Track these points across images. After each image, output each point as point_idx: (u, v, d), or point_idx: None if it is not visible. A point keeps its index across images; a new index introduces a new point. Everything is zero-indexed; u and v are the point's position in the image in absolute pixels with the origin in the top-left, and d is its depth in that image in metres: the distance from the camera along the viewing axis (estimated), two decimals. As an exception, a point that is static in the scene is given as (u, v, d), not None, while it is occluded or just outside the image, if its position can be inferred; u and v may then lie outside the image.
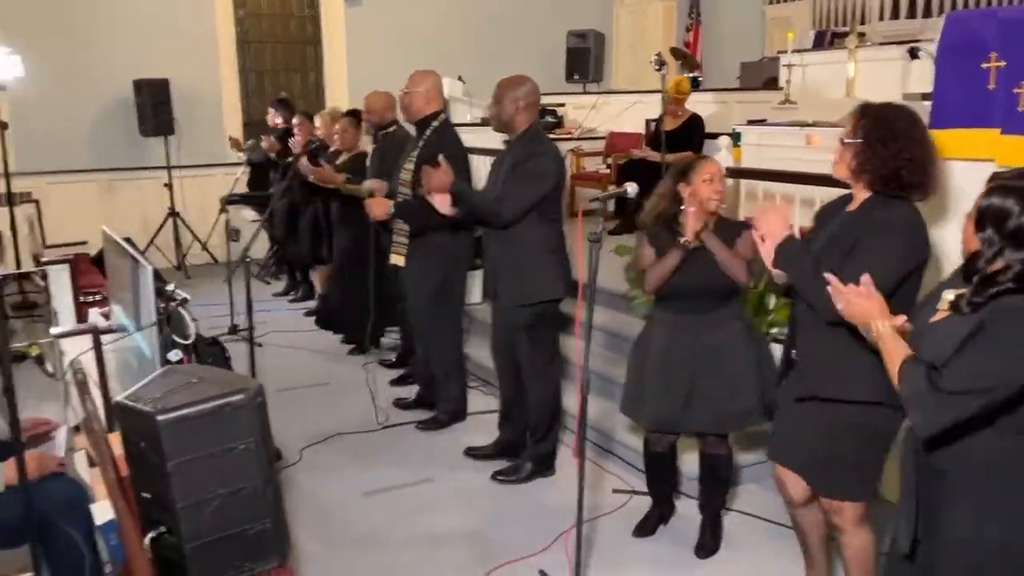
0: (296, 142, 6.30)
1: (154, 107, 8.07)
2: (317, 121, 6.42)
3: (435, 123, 4.28)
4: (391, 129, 5.10)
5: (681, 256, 3.01)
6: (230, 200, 7.12)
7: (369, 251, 5.30)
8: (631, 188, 2.79)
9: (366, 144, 5.78)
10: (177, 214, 8.46)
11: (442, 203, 3.77)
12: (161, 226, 8.43)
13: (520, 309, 3.72)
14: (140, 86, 8.11)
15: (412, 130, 4.53)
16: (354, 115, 5.79)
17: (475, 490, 3.82)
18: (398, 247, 4.38)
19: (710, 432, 3.19)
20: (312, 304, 7.02)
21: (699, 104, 6.98)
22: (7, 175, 6.62)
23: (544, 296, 3.70)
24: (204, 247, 8.69)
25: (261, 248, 7.81)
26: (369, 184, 4.73)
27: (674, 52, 8.97)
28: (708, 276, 3.03)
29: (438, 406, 4.57)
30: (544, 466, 3.91)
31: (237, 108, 9.15)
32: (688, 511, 3.47)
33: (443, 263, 4.28)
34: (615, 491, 3.75)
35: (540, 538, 3.34)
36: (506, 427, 4.11)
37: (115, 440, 2.48)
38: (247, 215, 7.77)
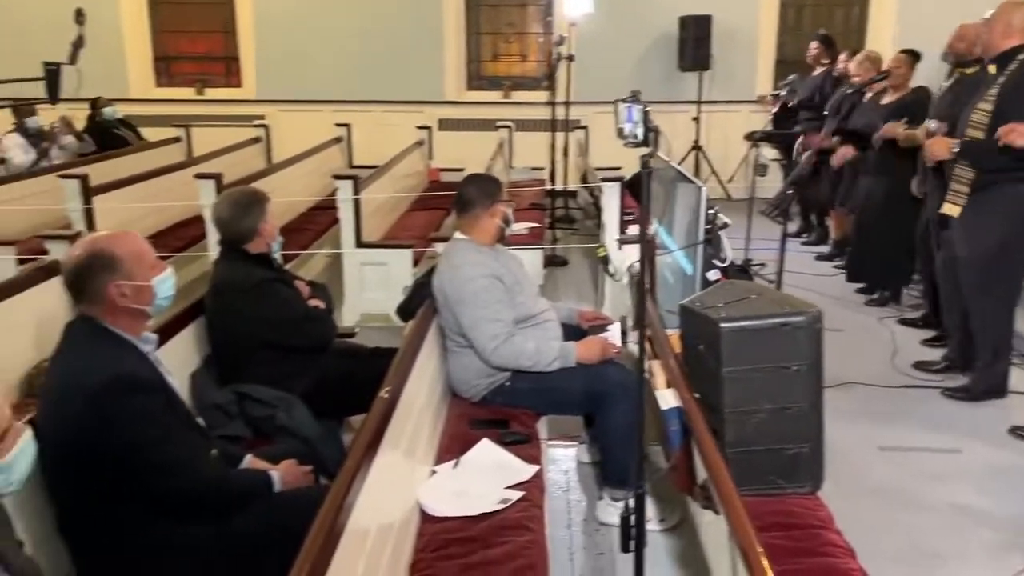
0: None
1: (695, 42, 8.42)
2: (852, 64, 6.10)
3: (1021, 56, 3.73)
4: (971, 70, 4.47)
5: None
6: (756, 137, 7.17)
7: (907, 200, 4.94)
8: None
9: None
10: (700, 148, 8.82)
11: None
12: (683, 159, 8.87)
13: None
14: (685, 22, 8.51)
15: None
16: (912, 53, 5.34)
17: (1018, 472, 3.38)
18: (955, 195, 3.96)
19: None
20: (825, 249, 6.81)
21: None
22: (568, 103, 7.54)
23: None
24: (720, 182, 8.94)
25: (771, 187, 7.77)
26: (930, 125, 4.32)
27: None
28: None
29: (972, 376, 4.11)
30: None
31: (772, 45, 9.09)
32: None
33: (1009, 218, 3.76)
34: None
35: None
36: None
37: (672, 339, 2.71)
38: (767, 153, 7.75)
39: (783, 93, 7.41)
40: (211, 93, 9.78)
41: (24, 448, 1.45)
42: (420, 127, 8.32)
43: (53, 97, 4.32)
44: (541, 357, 2.96)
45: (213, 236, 5.22)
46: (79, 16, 4.41)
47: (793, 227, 7.53)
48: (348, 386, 3.10)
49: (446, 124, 9.34)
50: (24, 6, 9.04)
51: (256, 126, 8.48)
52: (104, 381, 1.93)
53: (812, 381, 2.34)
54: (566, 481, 3.38)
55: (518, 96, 9.69)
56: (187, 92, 9.76)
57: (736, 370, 2.32)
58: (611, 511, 3.03)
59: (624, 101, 2.03)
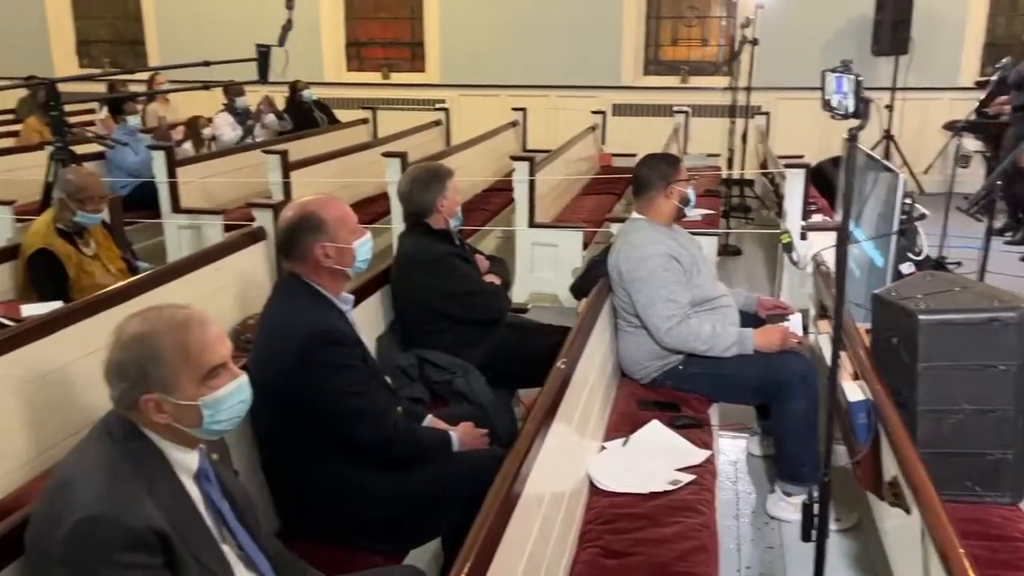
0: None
1: (893, 25, 7.89)
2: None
3: None
4: None
5: None
6: (959, 126, 6.65)
7: None
8: None
9: None
10: (891, 137, 8.27)
11: None
12: (872, 148, 8.34)
13: None
14: (883, 3, 7.99)
15: None
16: None
17: None
18: None
19: None
20: (1033, 249, 6.23)
21: None
22: (749, 89, 7.29)
23: None
24: (912, 173, 8.36)
25: (971, 181, 7.17)
26: None
27: None
28: None
29: None
30: None
31: (982, 26, 8.36)
32: None
33: None
34: None
35: None
36: None
37: (860, 331, 2.58)
38: (969, 144, 7.17)
39: (993, 79, 6.81)
40: (396, 77, 10.22)
41: (234, 391, 1.55)
42: (595, 112, 8.32)
43: (263, 77, 4.67)
44: (717, 341, 2.90)
45: (397, 211, 5.51)
46: (290, 1, 4.74)
47: (997, 224, 6.92)
48: (520, 359, 3.18)
49: (620, 109, 9.29)
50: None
51: (437, 109, 8.79)
52: (311, 332, 2.09)
53: (1020, 383, 2.16)
54: (735, 472, 3.30)
55: (696, 81, 9.48)
56: (375, 76, 10.26)
57: (933, 366, 2.18)
58: (783, 506, 2.93)
59: (833, 71, 1.94)
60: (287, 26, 4.71)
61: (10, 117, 8.52)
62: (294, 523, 2.21)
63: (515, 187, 5.38)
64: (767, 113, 8.09)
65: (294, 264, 2.25)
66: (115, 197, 3.83)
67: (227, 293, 3.67)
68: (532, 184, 5.33)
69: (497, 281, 3.35)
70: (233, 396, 1.55)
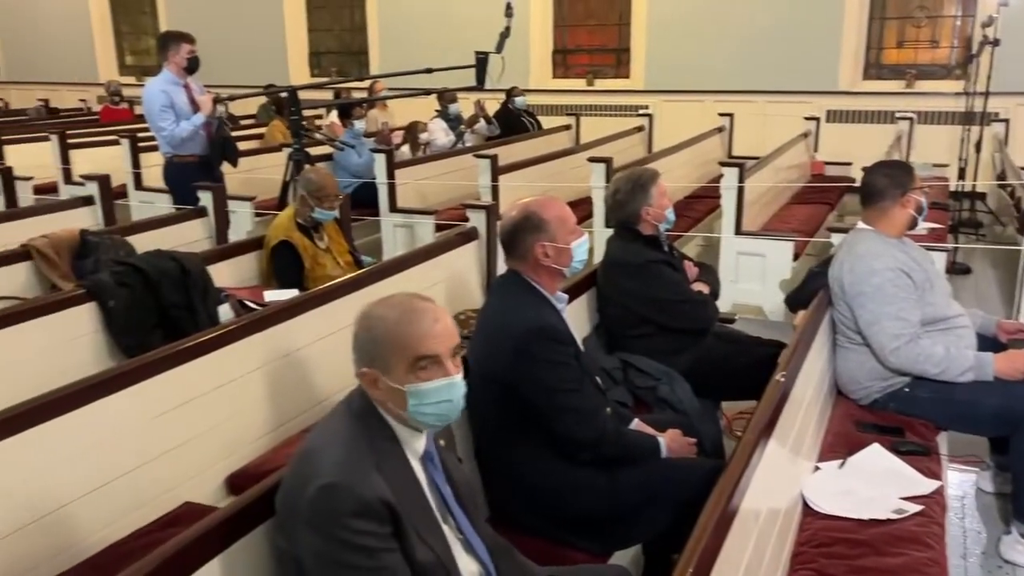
0: None
1: None
2: None
3: None
4: None
5: None
6: None
7: None
8: None
9: None
10: None
11: None
12: None
13: None
14: None
15: None
16: None
17: None
18: None
19: None
20: None
21: None
22: (987, 94, 6.68)
23: None
24: None
25: None
26: None
27: None
28: None
29: None
30: None
31: None
32: None
33: None
34: None
35: None
36: None
37: None
38: None
39: None
40: (600, 84, 10.29)
41: (440, 387, 1.58)
42: (808, 118, 7.94)
43: (480, 84, 4.86)
44: (951, 365, 2.67)
45: (599, 215, 5.55)
46: (508, 9, 4.91)
47: None
48: (727, 370, 3.11)
49: (835, 116, 8.82)
50: (464, 1, 10.24)
51: (640, 115, 8.76)
52: (530, 327, 2.16)
53: None
54: (962, 507, 3.03)
55: (922, 86, 8.79)
56: (579, 83, 10.39)
57: None
58: (1020, 549, 2.66)
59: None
60: (505, 33, 4.87)
61: (251, 121, 9.43)
62: (503, 511, 2.28)
63: (722, 193, 5.24)
64: (1006, 120, 7.37)
65: (515, 262, 2.32)
66: (346, 196, 4.13)
67: (440, 288, 3.85)
68: (740, 191, 5.18)
69: (706, 290, 3.28)
70: (438, 392, 1.59)
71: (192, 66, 5.00)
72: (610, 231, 3.32)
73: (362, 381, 1.61)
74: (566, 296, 2.42)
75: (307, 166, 4.44)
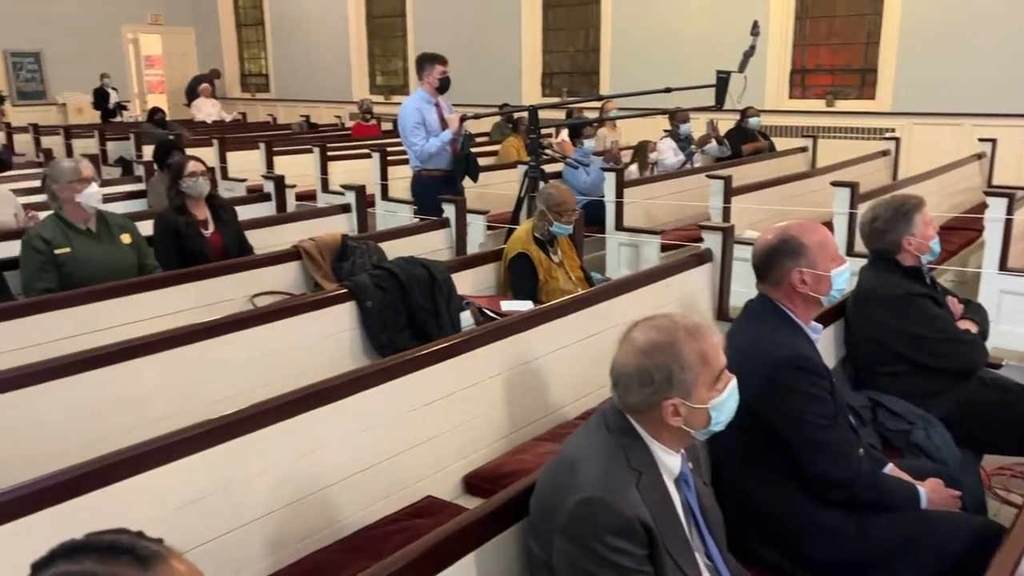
0: None
1: None
2: None
3: None
4: None
5: None
6: None
7: None
8: None
9: None
10: None
11: None
12: None
13: None
14: None
15: None
16: None
17: None
18: None
19: None
20: None
21: None
22: None
23: None
24: None
25: None
26: None
27: None
28: None
29: None
30: None
31: None
32: None
33: None
34: None
35: None
36: None
37: None
38: None
39: None
40: (841, 105, 9.74)
41: (732, 392, 1.64)
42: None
43: (719, 104, 4.77)
44: None
45: (842, 240, 5.24)
46: (755, 28, 4.78)
47: None
48: (993, 420, 2.81)
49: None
50: (702, 20, 10.13)
51: (886, 139, 8.18)
52: (782, 357, 2.08)
53: None
54: None
55: None
56: (817, 104, 9.90)
57: None
58: None
59: None
60: (749, 52, 4.75)
61: (486, 139, 9.87)
62: (739, 542, 2.20)
63: (986, 225, 4.77)
64: None
65: (768, 287, 2.24)
66: (581, 212, 4.20)
67: (669, 310, 3.78)
68: (1008, 223, 4.68)
69: (974, 329, 2.99)
70: (731, 398, 1.63)
71: (443, 86, 5.33)
72: (855, 259, 3.12)
73: (662, 412, 1.58)
74: (820, 326, 2.30)
75: (549, 181, 4.56)
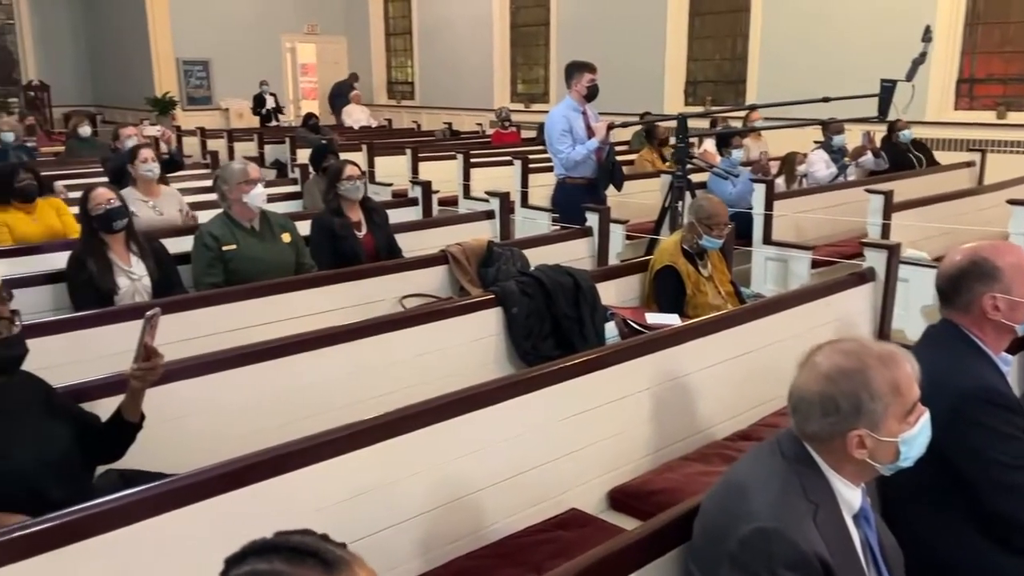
0: None
1: None
2: None
3: None
4: None
5: None
6: None
7: None
8: None
9: None
10: None
11: None
12: None
13: None
14: None
15: None
16: None
17: None
18: None
19: None
20: None
21: None
22: None
23: None
24: None
25: None
26: None
27: None
28: None
29: None
30: None
31: None
32: None
33: None
34: None
35: None
36: None
37: None
38: None
39: None
40: (1013, 117, 9.03)
41: (924, 426, 1.53)
42: None
43: (883, 114, 4.50)
44: None
45: None
46: (927, 33, 4.49)
47: None
48: None
49: None
50: (858, 28, 9.65)
51: (1069, 154, 7.53)
52: (971, 386, 1.92)
53: None
54: None
55: None
56: (987, 115, 9.21)
57: None
58: None
59: None
60: (920, 60, 4.46)
61: (624, 148, 9.76)
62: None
63: None
64: None
65: (954, 312, 2.07)
66: (731, 226, 4.06)
67: (826, 331, 3.59)
68: None
69: None
70: (923, 432, 1.53)
71: (591, 94, 5.30)
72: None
73: (847, 443, 1.49)
74: (1012, 358, 2.11)
75: (699, 192, 4.44)
